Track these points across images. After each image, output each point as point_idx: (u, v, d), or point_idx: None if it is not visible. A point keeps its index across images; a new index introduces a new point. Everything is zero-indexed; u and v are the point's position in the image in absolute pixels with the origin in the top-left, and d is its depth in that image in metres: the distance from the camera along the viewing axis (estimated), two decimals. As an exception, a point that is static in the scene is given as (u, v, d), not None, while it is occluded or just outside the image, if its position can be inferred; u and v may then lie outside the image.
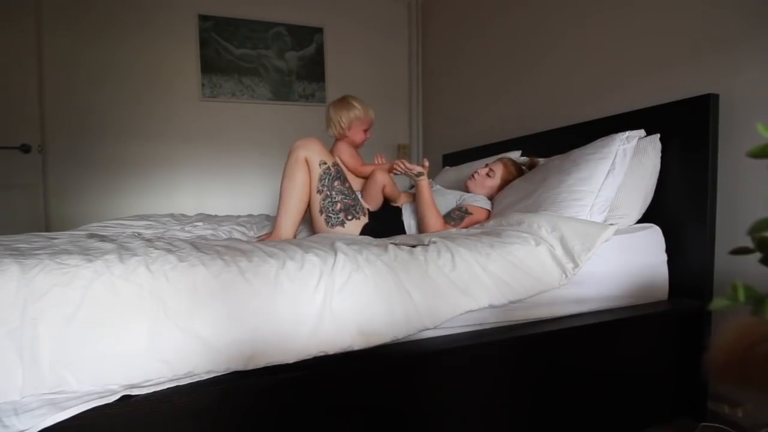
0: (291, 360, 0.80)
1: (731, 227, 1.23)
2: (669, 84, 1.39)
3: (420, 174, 1.40)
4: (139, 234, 1.26)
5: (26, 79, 2.33)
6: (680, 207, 1.28)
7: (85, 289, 0.69)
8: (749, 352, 0.34)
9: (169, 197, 2.66)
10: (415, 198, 1.49)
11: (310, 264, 0.87)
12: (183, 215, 1.83)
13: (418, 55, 3.15)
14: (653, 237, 1.27)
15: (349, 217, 1.43)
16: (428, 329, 0.92)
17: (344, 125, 1.60)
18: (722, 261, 1.22)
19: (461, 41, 2.63)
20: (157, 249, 0.83)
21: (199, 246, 0.92)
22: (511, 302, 1.00)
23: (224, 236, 1.49)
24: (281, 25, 2.82)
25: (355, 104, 1.60)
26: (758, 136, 1.07)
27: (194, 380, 0.76)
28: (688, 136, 1.26)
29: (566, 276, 1.04)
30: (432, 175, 2.50)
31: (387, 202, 1.57)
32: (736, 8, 1.21)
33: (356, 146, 1.66)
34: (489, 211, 1.56)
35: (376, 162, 1.69)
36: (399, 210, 1.57)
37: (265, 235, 1.53)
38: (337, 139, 1.65)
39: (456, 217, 1.49)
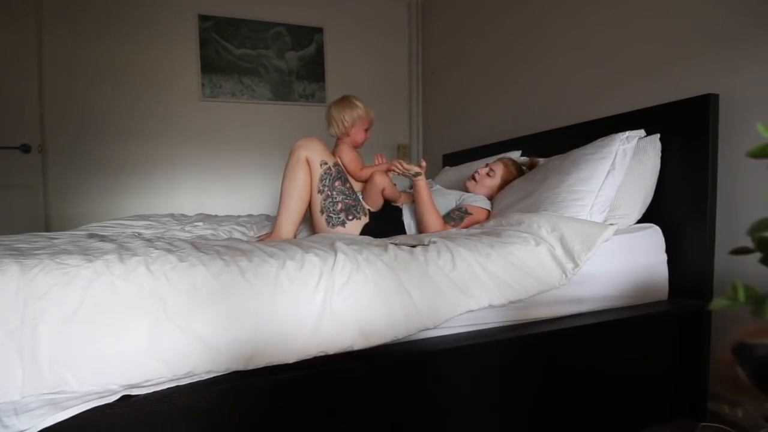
0: (291, 360, 0.80)
1: (731, 227, 1.23)
2: (669, 84, 1.39)
3: (417, 174, 1.39)
4: (139, 234, 1.26)
5: (26, 79, 2.33)
6: (680, 207, 1.28)
7: (85, 289, 0.69)
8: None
9: (169, 197, 2.66)
10: (413, 199, 1.49)
11: (310, 264, 0.87)
12: (183, 215, 1.83)
13: (418, 55, 3.15)
14: (653, 237, 1.27)
15: (350, 217, 1.43)
16: (428, 329, 0.92)
17: (347, 124, 1.60)
18: (722, 261, 1.22)
19: (461, 41, 2.63)
20: (157, 249, 0.83)
21: (199, 246, 0.92)
22: (511, 302, 1.00)
23: (224, 236, 1.49)
24: (281, 25, 2.82)
25: (358, 103, 1.61)
26: (758, 136, 1.07)
27: (194, 380, 0.76)
28: (688, 136, 1.26)
29: (566, 276, 1.04)
30: (432, 175, 2.50)
31: (387, 202, 1.57)
32: (736, 8, 1.21)
33: (357, 146, 1.66)
34: (489, 211, 1.56)
35: (376, 162, 1.69)
36: (399, 210, 1.57)
37: (265, 235, 1.53)
38: (339, 139, 1.65)
39: (456, 217, 1.49)
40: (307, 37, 2.89)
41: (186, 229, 1.50)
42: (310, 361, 0.82)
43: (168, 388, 0.74)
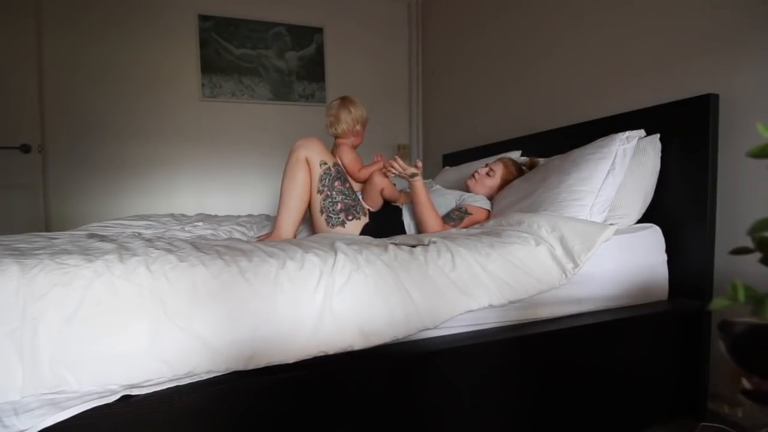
0: (291, 360, 0.80)
1: (731, 227, 1.23)
2: (669, 84, 1.39)
3: (414, 175, 1.39)
4: (139, 234, 1.26)
5: (26, 79, 2.33)
6: (680, 207, 1.28)
7: (85, 289, 0.69)
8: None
9: (169, 197, 2.66)
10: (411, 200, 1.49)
11: (310, 264, 0.87)
12: (183, 215, 1.83)
13: (418, 55, 3.15)
14: (653, 237, 1.27)
15: (350, 217, 1.43)
16: (428, 329, 0.92)
17: (358, 126, 1.61)
18: (722, 261, 1.22)
19: (461, 41, 2.63)
20: (157, 249, 0.83)
21: (199, 246, 0.92)
22: (511, 302, 1.00)
23: (224, 236, 1.49)
24: (281, 25, 2.82)
25: (360, 103, 1.62)
26: (758, 136, 1.07)
27: (194, 380, 0.76)
28: (688, 136, 1.26)
29: (566, 276, 1.04)
30: (432, 175, 2.50)
31: (387, 202, 1.57)
32: (736, 8, 1.21)
33: (357, 146, 1.66)
34: (489, 211, 1.56)
35: (375, 161, 1.69)
36: (399, 210, 1.57)
37: (265, 235, 1.53)
38: (339, 139, 1.65)
39: (455, 217, 1.49)
40: (307, 37, 2.89)
41: (186, 229, 1.50)
42: (310, 361, 0.82)
43: (168, 388, 0.74)
